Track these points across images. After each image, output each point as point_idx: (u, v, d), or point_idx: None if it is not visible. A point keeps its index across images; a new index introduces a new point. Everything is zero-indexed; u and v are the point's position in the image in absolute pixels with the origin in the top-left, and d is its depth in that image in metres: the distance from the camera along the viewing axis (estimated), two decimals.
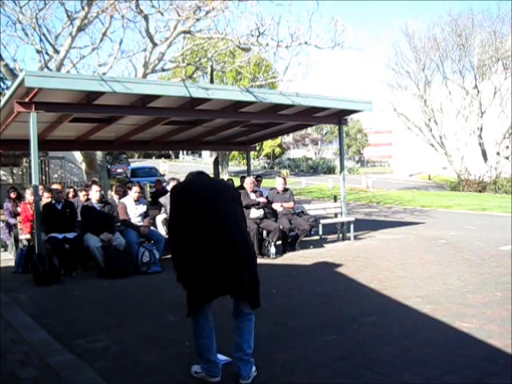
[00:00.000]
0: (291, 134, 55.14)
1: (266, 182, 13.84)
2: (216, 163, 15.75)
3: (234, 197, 3.53)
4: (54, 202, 7.46)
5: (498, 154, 29.41)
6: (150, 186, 17.58)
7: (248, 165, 13.76)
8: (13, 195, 9.69)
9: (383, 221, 14.05)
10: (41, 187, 8.11)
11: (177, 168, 41.25)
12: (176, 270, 3.33)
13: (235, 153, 43.03)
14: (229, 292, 3.29)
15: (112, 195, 9.12)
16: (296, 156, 59.35)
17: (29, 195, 8.40)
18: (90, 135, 10.14)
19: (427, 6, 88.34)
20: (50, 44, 13.07)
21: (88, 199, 8.03)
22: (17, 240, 8.52)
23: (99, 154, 13.42)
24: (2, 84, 17.64)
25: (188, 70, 17.89)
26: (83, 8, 11.32)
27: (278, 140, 50.61)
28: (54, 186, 8.16)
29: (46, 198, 7.73)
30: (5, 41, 13.85)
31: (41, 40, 13.06)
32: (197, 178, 3.54)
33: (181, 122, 10.05)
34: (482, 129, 29.87)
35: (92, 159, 13.17)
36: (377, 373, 3.33)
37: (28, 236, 7.95)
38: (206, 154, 51.12)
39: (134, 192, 7.82)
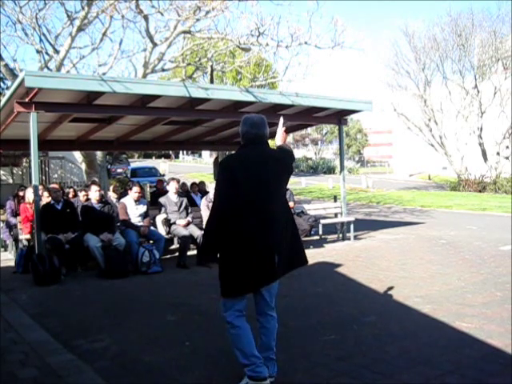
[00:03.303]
0: (291, 134, 55.09)
1: None
2: (216, 163, 15.75)
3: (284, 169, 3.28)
4: (53, 202, 7.46)
5: (498, 154, 29.39)
6: (150, 186, 17.59)
7: None
8: (21, 193, 9.61)
9: (383, 221, 14.05)
10: (41, 187, 8.11)
11: (177, 168, 41.28)
12: (210, 249, 3.13)
13: None
14: (270, 281, 3.14)
15: (111, 195, 9.11)
16: (296, 156, 59.29)
17: (28, 194, 8.38)
18: (89, 135, 10.14)
19: (427, 5, 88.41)
20: (50, 44, 13.09)
21: (88, 199, 8.02)
22: (17, 240, 8.52)
23: (99, 154, 13.43)
24: (2, 84, 17.64)
25: (188, 70, 17.89)
26: (83, 8, 11.33)
27: None
28: (52, 186, 8.16)
29: (45, 198, 7.73)
30: (5, 41, 13.88)
31: (41, 40, 13.08)
32: (250, 150, 3.18)
33: (181, 122, 10.05)
34: (481, 129, 29.86)
35: (92, 159, 13.17)
36: (377, 373, 3.33)
37: (28, 236, 7.95)
38: (205, 153, 51.14)
39: (134, 192, 7.81)
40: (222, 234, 3.03)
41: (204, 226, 3.17)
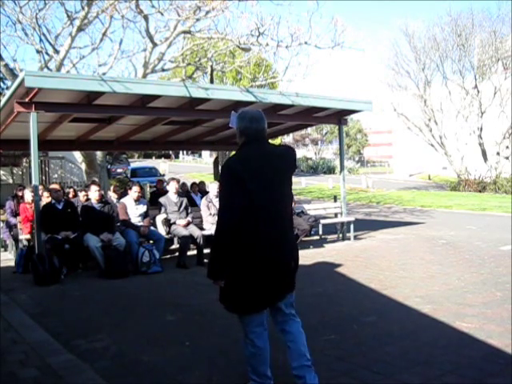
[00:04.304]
0: (291, 134, 55.10)
1: None
2: (216, 163, 15.77)
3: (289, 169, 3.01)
4: (53, 201, 7.46)
5: (498, 154, 29.40)
6: (150, 186, 17.60)
7: None
8: (20, 193, 9.63)
9: (383, 221, 14.05)
10: (41, 187, 8.11)
11: (177, 168, 41.28)
12: (219, 262, 2.78)
13: None
14: (289, 291, 2.92)
15: (111, 195, 9.11)
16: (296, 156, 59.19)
17: (27, 195, 8.39)
18: (89, 135, 10.14)
19: (427, 5, 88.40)
20: (50, 44, 13.08)
21: (88, 199, 8.02)
22: (17, 240, 8.52)
23: (99, 154, 13.43)
24: (2, 84, 17.64)
25: (188, 70, 17.89)
26: (83, 8, 11.33)
27: (278, 140, 50.58)
28: (52, 186, 8.16)
29: (45, 198, 7.73)
30: (5, 41, 13.88)
31: (41, 40, 13.08)
32: (254, 148, 2.87)
33: (181, 122, 10.05)
34: (481, 129, 29.86)
35: (92, 159, 13.17)
36: (377, 373, 3.33)
37: (28, 236, 7.95)
38: (205, 153, 51.14)
39: (133, 192, 7.82)
40: (235, 247, 2.73)
41: (215, 241, 2.83)
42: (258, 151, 2.83)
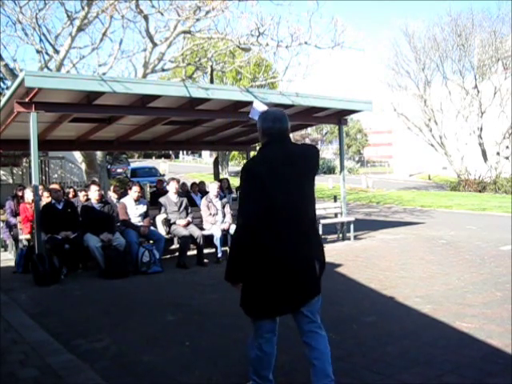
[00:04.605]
0: (291, 134, 54.97)
1: None
2: (216, 163, 15.75)
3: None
4: (54, 201, 7.46)
5: (498, 154, 29.40)
6: (150, 186, 17.60)
7: None
8: (19, 193, 9.63)
9: (383, 221, 14.05)
10: (41, 187, 8.10)
11: (177, 168, 41.28)
12: (238, 263, 2.67)
13: (235, 153, 42.96)
14: (311, 297, 2.77)
15: (111, 195, 9.11)
16: None
17: (27, 195, 8.39)
18: (89, 135, 10.15)
19: (427, 5, 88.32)
20: (50, 44, 13.09)
21: (88, 199, 8.02)
22: (17, 240, 8.52)
23: (99, 154, 13.43)
24: (2, 84, 17.64)
25: (188, 70, 17.90)
26: (83, 8, 11.33)
27: None
28: (52, 186, 8.16)
29: (45, 198, 7.73)
30: (5, 41, 13.91)
31: (41, 40, 13.09)
32: (276, 148, 2.76)
33: (181, 122, 10.05)
34: (481, 129, 29.86)
35: (92, 159, 13.17)
36: (377, 373, 3.33)
37: (28, 236, 7.95)
38: (205, 153, 51.13)
39: (133, 192, 7.82)
40: (255, 250, 2.62)
41: (234, 242, 2.75)
42: (279, 152, 2.73)
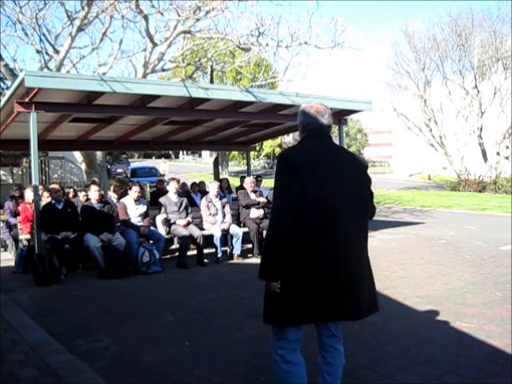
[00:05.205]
0: (291, 134, 55.06)
1: (266, 182, 13.84)
2: (216, 163, 15.75)
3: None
4: (54, 202, 7.46)
5: (498, 154, 29.39)
6: (150, 186, 17.60)
7: (248, 165, 13.76)
8: (16, 193, 9.66)
9: (383, 221, 14.04)
10: (41, 187, 8.11)
11: (177, 168, 41.28)
12: (275, 259, 2.36)
13: (235, 153, 43.01)
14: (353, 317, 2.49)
15: (111, 195, 9.11)
16: None
17: (28, 194, 8.39)
18: (89, 135, 10.15)
19: (427, 5, 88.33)
20: (50, 44, 13.09)
21: (88, 199, 8.03)
22: (17, 240, 8.52)
23: (99, 154, 13.43)
24: (2, 84, 17.65)
25: (188, 70, 17.90)
26: (83, 8, 11.33)
27: (278, 140, 50.64)
28: (52, 186, 8.17)
29: (45, 198, 7.73)
30: (5, 41, 13.90)
31: (41, 40, 13.09)
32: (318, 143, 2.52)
33: (181, 122, 10.06)
34: (481, 129, 29.86)
35: (92, 159, 13.17)
36: (377, 373, 3.33)
37: (28, 236, 7.95)
38: (205, 153, 51.13)
39: (133, 192, 7.82)
40: (290, 248, 2.35)
41: (271, 235, 2.43)
42: (320, 147, 2.49)
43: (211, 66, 16.03)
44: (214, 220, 8.20)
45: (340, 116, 10.49)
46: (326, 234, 2.36)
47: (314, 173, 2.36)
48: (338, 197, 2.40)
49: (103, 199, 7.87)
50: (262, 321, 2.48)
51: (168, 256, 8.25)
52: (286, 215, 2.32)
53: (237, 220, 8.80)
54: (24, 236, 8.07)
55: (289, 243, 2.32)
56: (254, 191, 9.00)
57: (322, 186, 2.36)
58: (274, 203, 2.42)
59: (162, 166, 37.62)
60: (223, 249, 8.07)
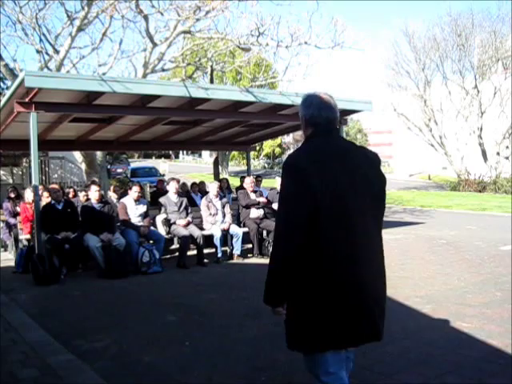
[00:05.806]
0: (291, 134, 55.06)
1: (265, 182, 13.84)
2: (216, 163, 15.75)
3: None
4: (53, 202, 7.45)
5: (498, 154, 29.39)
6: (150, 186, 17.60)
7: (248, 165, 13.75)
8: (12, 195, 9.69)
9: (383, 221, 14.05)
10: (41, 187, 8.10)
11: (177, 168, 41.26)
12: (281, 283, 2.07)
13: (235, 153, 43.04)
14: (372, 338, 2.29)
15: (111, 195, 9.11)
16: None
17: (28, 194, 8.39)
18: (89, 135, 10.15)
19: (427, 5, 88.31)
20: (50, 44, 13.09)
21: (88, 199, 8.02)
22: (17, 240, 8.52)
23: (99, 154, 13.43)
24: (2, 84, 17.65)
25: (188, 70, 17.90)
26: (83, 8, 11.34)
27: (278, 140, 50.63)
28: (52, 186, 8.17)
29: (45, 198, 7.73)
30: (5, 41, 13.93)
31: (41, 40, 13.08)
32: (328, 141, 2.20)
33: (181, 122, 10.05)
34: (481, 129, 29.85)
35: (92, 159, 13.17)
36: (377, 373, 3.33)
37: (28, 236, 7.95)
38: (205, 153, 51.12)
39: (134, 192, 7.81)
40: (301, 267, 2.03)
41: (275, 256, 2.08)
42: (328, 146, 2.17)
43: (211, 66, 16.04)
44: (214, 220, 8.20)
45: (340, 116, 10.46)
46: (345, 249, 2.09)
47: (326, 180, 2.02)
48: (355, 205, 2.11)
49: (103, 199, 7.86)
50: (287, 347, 2.17)
51: (168, 256, 8.24)
52: (294, 235, 1.99)
53: (237, 220, 8.80)
54: (24, 236, 8.06)
55: (297, 264, 2.02)
56: (254, 191, 8.99)
57: (338, 196, 2.04)
58: (281, 217, 2.07)
59: (162, 166, 37.59)
60: (223, 249, 8.07)
